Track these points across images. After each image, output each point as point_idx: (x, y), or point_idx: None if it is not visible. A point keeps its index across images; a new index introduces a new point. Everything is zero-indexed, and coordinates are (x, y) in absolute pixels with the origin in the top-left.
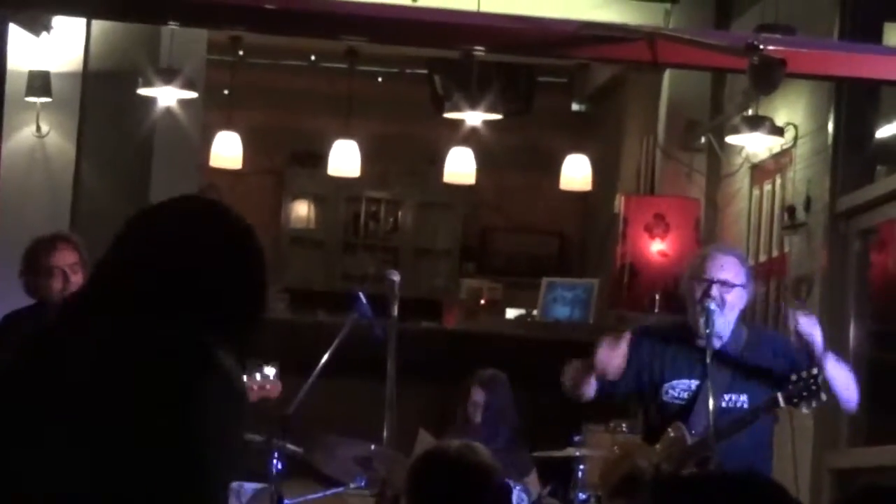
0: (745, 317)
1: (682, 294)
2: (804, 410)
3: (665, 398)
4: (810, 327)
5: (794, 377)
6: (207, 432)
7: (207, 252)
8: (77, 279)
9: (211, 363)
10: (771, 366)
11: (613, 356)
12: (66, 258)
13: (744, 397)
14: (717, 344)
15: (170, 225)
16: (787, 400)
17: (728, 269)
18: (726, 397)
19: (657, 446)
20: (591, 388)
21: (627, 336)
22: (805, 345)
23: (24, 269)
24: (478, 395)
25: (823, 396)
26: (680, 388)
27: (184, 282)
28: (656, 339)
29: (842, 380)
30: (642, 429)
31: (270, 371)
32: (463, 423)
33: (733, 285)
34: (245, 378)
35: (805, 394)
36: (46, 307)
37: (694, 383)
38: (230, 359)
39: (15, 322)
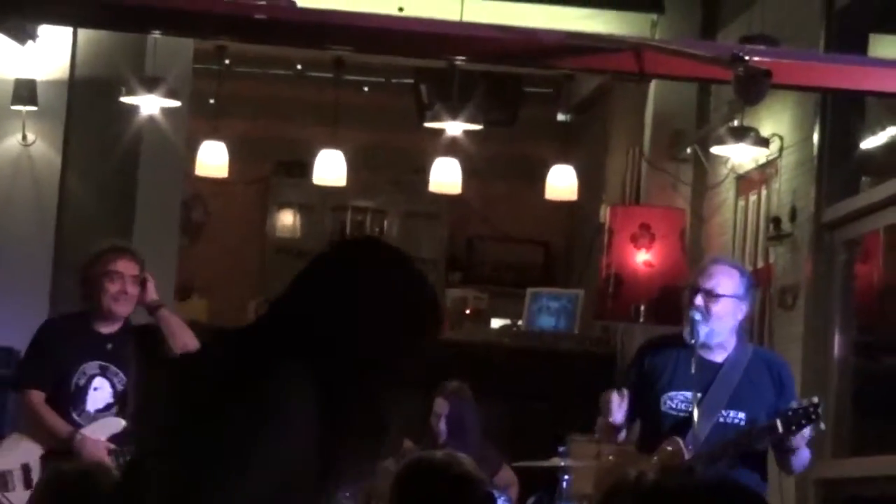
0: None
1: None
2: (797, 440)
3: (664, 408)
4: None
5: (794, 404)
6: (262, 447)
7: (372, 307)
8: (134, 291)
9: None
10: (768, 390)
11: (614, 405)
12: (129, 268)
13: (742, 414)
14: (720, 358)
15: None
16: (786, 426)
17: (716, 279)
18: (724, 413)
19: (654, 458)
20: (623, 433)
21: (625, 393)
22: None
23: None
24: (440, 407)
25: (822, 426)
26: (678, 399)
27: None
28: (659, 350)
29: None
30: (638, 437)
31: None
32: (428, 434)
33: (719, 295)
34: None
35: (804, 422)
36: (89, 316)
37: (692, 396)
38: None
39: (52, 326)
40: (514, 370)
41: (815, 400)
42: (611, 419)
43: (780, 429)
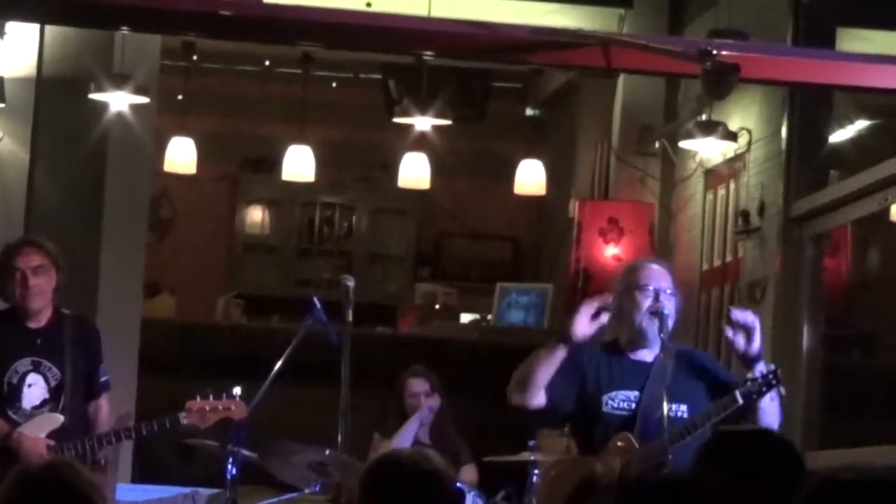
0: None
1: (615, 307)
2: (761, 406)
3: (605, 409)
4: (749, 319)
5: (750, 375)
6: None
7: None
8: (37, 281)
9: None
10: (704, 376)
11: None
12: (27, 260)
13: (684, 407)
14: (649, 358)
15: None
16: (746, 397)
17: (665, 279)
18: (665, 407)
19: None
20: (540, 396)
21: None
22: (743, 337)
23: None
24: (417, 386)
25: (783, 390)
26: (619, 398)
27: None
28: (593, 351)
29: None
30: (579, 444)
31: (236, 391)
32: (402, 420)
33: (672, 294)
34: (210, 398)
35: (764, 389)
36: (16, 313)
37: (634, 394)
38: None
39: None
40: (483, 365)
41: (773, 367)
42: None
43: (741, 400)
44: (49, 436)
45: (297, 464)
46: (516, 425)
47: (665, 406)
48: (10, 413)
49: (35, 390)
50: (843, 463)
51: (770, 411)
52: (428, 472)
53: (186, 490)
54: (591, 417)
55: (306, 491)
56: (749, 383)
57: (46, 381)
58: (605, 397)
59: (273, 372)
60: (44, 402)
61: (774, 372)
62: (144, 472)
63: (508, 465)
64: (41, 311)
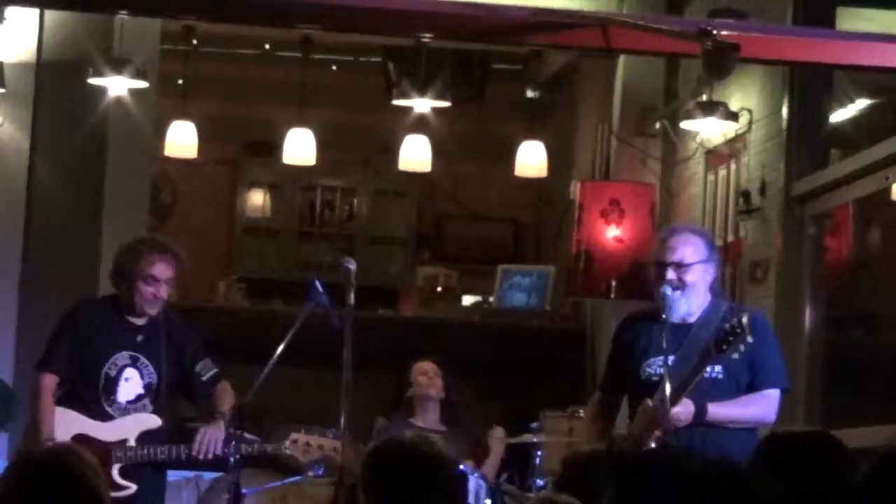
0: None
1: (649, 279)
2: (734, 356)
3: (643, 377)
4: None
5: (725, 326)
6: None
7: None
8: (165, 293)
9: None
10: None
11: None
12: (166, 272)
13: (718, 367)
14: (691, 319)
15: None
16: (717, 348)
17: (681, 251)
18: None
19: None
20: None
21: None
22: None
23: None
24: (427, 365)
25: (749, 339)
26: (655, 365)
27: None
28: (636, 323)
29: (735, 416)
30: (629, 412)
31: (343, 433)
32: (409, 406)
33: (689, 264)
34: (315, 434)
35: (731, 338)
36: (119, 304)
37: (668, 358)
38: None
39: (87, 311)
40: (485, 347)
41: (742, 316)
42: None
43: (714, 352)
44: (140, 437)
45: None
46: (518, 407)
47: (668, 385)
48: (103, 404)
49: (131, 385)
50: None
51: (737, 419)
52: (430, 456)
53: (189, 474)
54: (633, 387)
55: (310, 474)
56: (719, 334)
57: (142, 377)
58: (643, 365)
59: (275, 355)
60: (138, 398)
61: (739, 320)
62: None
63: (511, 446)
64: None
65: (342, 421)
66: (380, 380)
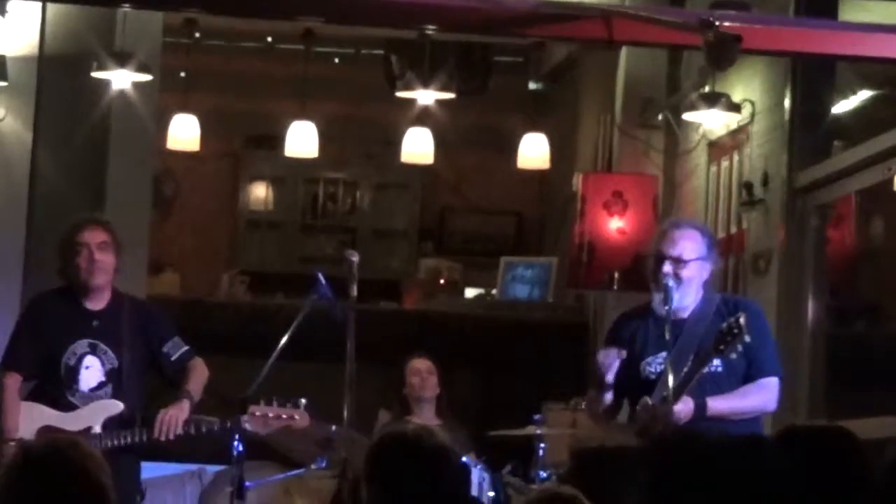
0: (715, 286)
1: (647, 271)
2: (732, 356)
3: (644, 375)
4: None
5: (722, 326)
6: None
7: None
8: (102, 257)
9: None
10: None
11: (610, 360)
12: (93, 236)
13: (717, 361)
14: (684, 314)
15: None
16: (716, 348)
17: (681, 245)
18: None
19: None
20: (608, 404)
21: (613, 349)
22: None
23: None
24: (420, 363)
25: (747, 338)
26: (655, 363)
27: None
28: (633, 320)
29: (735, 408)
30: (629, 412)
31: (301, 401)
32: (405, 404)
33: (687, 261)
34: (273, 405)
35: (729, 339)
36: (74, 292)
37: (665, 356)
38: None
39: (41, 304)
40: (488, 340)
41: (738, 316)
42: (607, 376)
43: (713, 353)
44: (105, 423)
45: (303, 440)
46: (521, 399)
47: (671, 378)
48: (67, 395)
49: (92, 373)
50: None
51: (737, 410)
52: (433, 448)
53: (192, 467)
54: (635, 387)
55: (313, 467)
56: (717, 335)
57: (102, 363)
58: (643, 364)
59: (278, 348)
60: (100, 385)
61: (736, 320)
62: (149, 450)
63: (514, 439)
64: (101, 291)
65: (345, 413)
66: (383, 372)
